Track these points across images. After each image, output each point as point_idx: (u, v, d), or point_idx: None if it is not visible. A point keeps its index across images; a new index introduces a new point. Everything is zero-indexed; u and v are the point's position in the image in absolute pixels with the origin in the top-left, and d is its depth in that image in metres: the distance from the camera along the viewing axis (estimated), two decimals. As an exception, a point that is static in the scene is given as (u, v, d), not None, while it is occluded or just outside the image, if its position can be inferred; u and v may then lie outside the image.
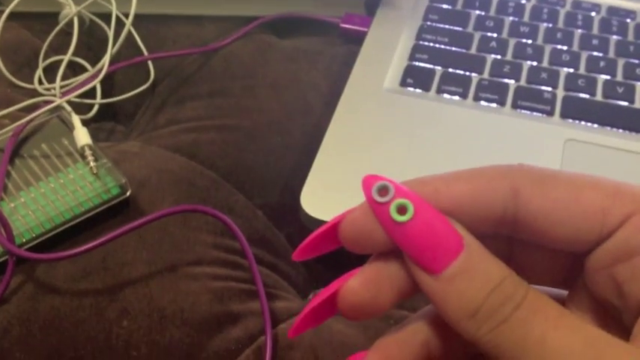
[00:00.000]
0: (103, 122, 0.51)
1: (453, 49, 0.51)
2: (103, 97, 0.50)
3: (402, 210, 0.22)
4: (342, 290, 0.23)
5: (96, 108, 0.49)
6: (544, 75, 0.49)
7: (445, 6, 0.55)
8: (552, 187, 0.23)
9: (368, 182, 0.23)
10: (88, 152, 0.42)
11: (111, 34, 0.49)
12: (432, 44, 0.52)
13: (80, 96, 0.47)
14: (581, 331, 0.21)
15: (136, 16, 0.50)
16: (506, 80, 0.49)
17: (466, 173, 0.23)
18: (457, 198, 0.23)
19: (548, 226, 0.23)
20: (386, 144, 0.45)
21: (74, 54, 0.50)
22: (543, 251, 0.25)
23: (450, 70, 0.50)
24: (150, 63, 0.52)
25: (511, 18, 0.54)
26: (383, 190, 0.22)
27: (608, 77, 0.49)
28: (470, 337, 0.21)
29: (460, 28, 0.53)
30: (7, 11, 0.50)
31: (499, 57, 0.51)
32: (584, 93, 0.48)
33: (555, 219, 0.22)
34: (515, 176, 0.23)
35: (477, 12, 0.54)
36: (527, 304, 0.21)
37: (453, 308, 0.21)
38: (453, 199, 0.23)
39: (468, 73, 0.49)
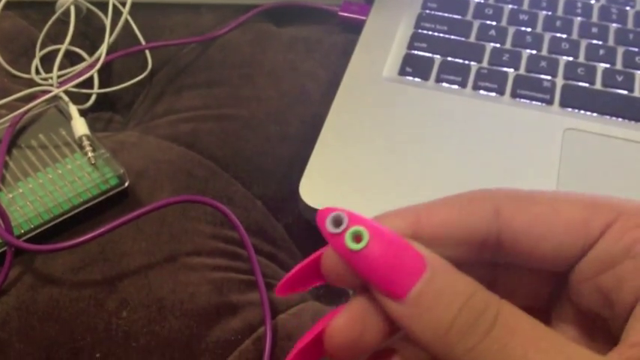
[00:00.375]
0: (100, 112, 0.51)
1: (452, 37, 0.51)
2: (101, 86, 0.50)
3: (357, 238, 0.21)
4: (328, 330, 0.22)
5: (93, 98, 0.49)
6: (543, 63, 0.49)
7: (444, -6, 0.54)
8: (532, 203, 0.23)
9: (322, 215, 0.22)
10: (85, 142, 0.42)
11: (108, 23, 0.48)
12: (430, 33, 0.51)
13: (77, 86, 0.46)
14: (561, 350, 0.20)
15: (133, 5, 0.50)
16: (505, 69, 0.49)
17: (446, 199, 0.23)
18: (439, 224, 0.23)
19: (532, 243, 0.23)
20: (385, 133, 0.44)
21: (71, 43, 0.49)
22: (527, 274, 0.25)
23: (449, 58, 0.49)
24: (147, 52, 0.52)
25: (510, 6, 0.53)
26: (337, 221, 0.22)
27: (607, 66, 0.49)
28: None
29: (459, 16, 0.53)
30: (4, 0, 0.49)
31: (498, 45, 0.50)
32: (584, 82, 0.48)
33: (538, 234, 0.23)
34: (494, 197, 0.23)
35: (476, 0, 0.54)
36: (503, 321, 0.21)
37: (423, 330, 0.21)
38: (435, 226, 0.23)
39: (467, 62, 0.49)
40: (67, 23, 0.49)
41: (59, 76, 0.48)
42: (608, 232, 0.22)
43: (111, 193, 0.41)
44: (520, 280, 0.25)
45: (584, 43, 0.51)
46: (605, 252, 0.22)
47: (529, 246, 0.23)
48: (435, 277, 0.21)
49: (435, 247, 0.22)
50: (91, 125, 0.45)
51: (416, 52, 0.50)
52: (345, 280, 0.23)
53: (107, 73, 0.52)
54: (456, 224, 0.23)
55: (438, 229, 0.23)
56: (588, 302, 0.23)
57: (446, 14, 0.53)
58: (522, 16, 0.52)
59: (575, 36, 0.51)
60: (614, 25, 0.52)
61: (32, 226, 0.39)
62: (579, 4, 0.53)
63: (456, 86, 0.48)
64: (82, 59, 0.51)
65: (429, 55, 0.50)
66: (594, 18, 0.53)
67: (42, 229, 0.39)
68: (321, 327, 0.23)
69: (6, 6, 0.49)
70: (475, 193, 0.23)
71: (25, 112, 0.43)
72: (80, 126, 0.43)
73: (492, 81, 0.48)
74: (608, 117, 0.46)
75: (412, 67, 0.49)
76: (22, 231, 0.39)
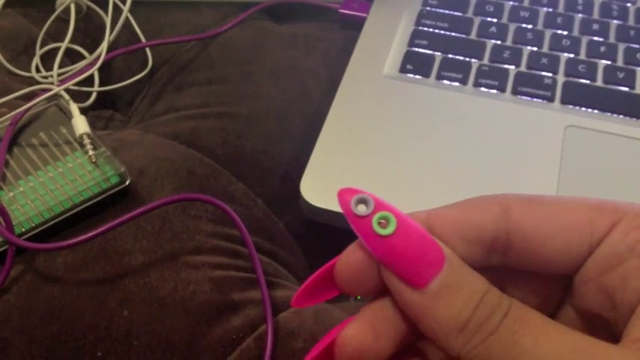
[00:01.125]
0: (101, 110, 0.51)
1: (453, 34, 0.51)
2: (101, 84, 0.49)
3: (383, 223, 0.21)
4: (340, 338, 0.22)
5: (94, 96, 0.49)
6: (544, 60, 0.49)
7: (445, -9, 0.54)
8: (540, 204, 0.23)
9: (344, 196, 0.22)
10: (86, 141, 0.42)
11: (108, 20, 0.48)
12: (431, 30, 0.51)
13: (78, 84, 0.46)
14: (569, 335, 0.21)
15: (134, 3, 0.50)
16: (506, 66, 0.49)
17: (456, 203, 0.24)
18: (450, 223, 0.23)
19: (540, 242, 0.23)
20: (386, 131, 0.44)
21: (71, 41, 0.49)
22: (534, 280, 0.25)
23: (450, 55, 0.49)
24: (148, 50, 0.52)
25: (511, 3, 0.53)
26: (362, 204, 0.21)
27: (608, 62, 0.49)
28: (456, 353, 0.21)
29: (460, 13, 0.52)
30: (4, -2, 0.49)
31: (499, 42, 0.50)
32: (585, 78, 0.48)
33: (546, 233, 0.23)
34: (503, 199, 0.24)
35: (477, -3, 0.54)
36: (514, 312, 0.21)
37: (441, 323, 0.21)
38: (446, 225, 0.23)
39: (467, 59, 0.49)
40: (67, 21, 0.49)
41: (59, 75, 0.48)
42: (612, 232, 0.23)
43: (112, 192, 0.41)
44: (527, 286, 0.25)
45: (585, 39, 0.51)
46: (610, 251, 0.22)
47: (537, 245, 0.23)
48: (455, 270, 0.21)
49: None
50: (92, 123, 0.45)
51: (417, 49, 0.50)
52: (360, 287, 0.23)
53: (107, 71, 0.52)
54: (467, 223, 0.23)
55: (449, 229, 0.23)
56: (592, 304, 0.23)
57: (447, 11, 0.53)
58: (523, 13, 0.52)
59: (576, 33, 0.51)
60: (615, 21, 0.52)
61: (33, 225, 0.39)
62: (580, 1, 0.53)
63: (457, 83, 0.48)
64: (83, 57, 0.51)
65: (430, 52, 0.50)
66: (595, 15, 0.53)
67: (43, 227, 0.39)
68: (332, 338, 0.23)
69: (6, 4, 0.49)
70: (484, 196, 0.24)
71: (26, 111, 0.43)
72: (81, 124, 0.43)
73: (493, 78, 0.48)
74: (609, 114, 0.46)
75: (413, 64, 0.49)
76: (23, 229, 0.39)
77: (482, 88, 0.47)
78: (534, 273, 0.24)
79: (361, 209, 0.21)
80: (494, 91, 0.47)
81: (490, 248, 0.23)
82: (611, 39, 0.51)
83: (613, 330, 0.23)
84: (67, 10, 0.50)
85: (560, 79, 0.48)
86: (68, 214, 0.40)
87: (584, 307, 0.24)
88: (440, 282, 0.21)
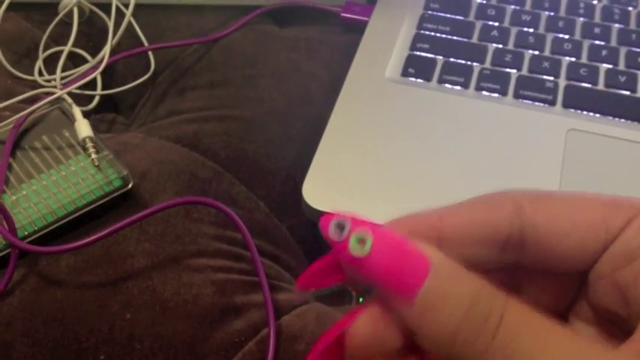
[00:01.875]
0: (103, 113, 0.51)
1: (455, 38, 0.51)
2: (104, 88, 0.50)
3: (361, 243, 0.21)
4: (351, 329, 0.22)
5: (97, 99, 0.49)
6: (546, 64, 0.49)
7: (446, -6, 0.54)
8: (553, 201, 0.23)
9: (325, 222, 0.22)
10: (89, 144, 0.42)
11: (111, 24, 0.48)
12: (433, 33, 0.51)
13: (81, 87, 0.46)
14: (568, 347, 0.20)
15: (136, 6, 0.50)
16: (507, 70, 0.49)
17: (468, 200, 0.24)
18: (463, 223, 0.23)
19: (554, 239, 0.23)
20: (387, 134, 0.45)
21: (74, 45, 0.49)
22: (549, 278, 0.25)
23: (452, 59, 0.49)
24: (150, 53, 0.52)
25: (512, 6, 0.53)
26: (340, 227, 0.21)
27: (610, 66, 0.49)
28: None
29: (461, 17, 0.53)
30: (7, 2, 0.49)
31: (501, 46, 0.50)
32: (586, 82, 0.48)
33: (560, 230, 0.23)
34: (516, 196, 0.23)
35: (479, 0, 0.54)
36: (509, 323, 0.20)
37: (432, 336, 0.21)
38: (458, 225, 0.23)
39: (469, 63, 0.49)
40: (70, 25, 0.50)
41: (62, 78, 0.48)
42: (627, 228, 0.22)
43: (114, 195, 0.41)
44: (541, 282, 0.25)
45: (586, 43, 0.51)
46: (624, 247, 0.22)
47: (551, 243, 0.23)
48: (440, 279, 0.21)
49: (458, 247, 0.22)
50: (95, 127, 0.45)
51: (418, 52, 0.50)
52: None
53: (110, 75, 0.52)
54: (479, 222, 0.23)
55: (461, 228, 0.23)
56: (606, 300, 0.23)
57: (448, 15, 0.53)
58: (525, 17, 0.52)
59: (577, 36, 0.51)
60: (617, 25, 0.52)
61: (36, 228, 0.39)
62: (582, 5, 0.53)
63: (458, 87, 0.48)
64: (85, 61, 0.51)
65: (432, 55, 0.50)
66: (597, 18, 0.53)
67: (46, 230, 0.39)
68: (341, 328, 0.22)
69: (9, 7, 0.49)
70: (496, 194, 0.24)
71: (29, 114, 0.43)
72: (84, 127, 0.43)
73: (495, 82, 0.48)
74: (610, 118, 0.46)
75: (415, 68, 0.49)
76: (26, 233, 0.39)
77: (484, 92, 0.47)
78: (549, 270, 0.24)
79: (338, 233, 0.21)
80: (496, 94, 0.47)
81: (504, 246, 0.23)
82: (613, 43, 0.51)
83: (627, 326, 0.23)
84: (69, 13, 0.50)
85: (562, 82, 0.48)
86: (71, 218, 0.40)
87: (599, 303, 0.24)
88: (425, 294, 0.21)
